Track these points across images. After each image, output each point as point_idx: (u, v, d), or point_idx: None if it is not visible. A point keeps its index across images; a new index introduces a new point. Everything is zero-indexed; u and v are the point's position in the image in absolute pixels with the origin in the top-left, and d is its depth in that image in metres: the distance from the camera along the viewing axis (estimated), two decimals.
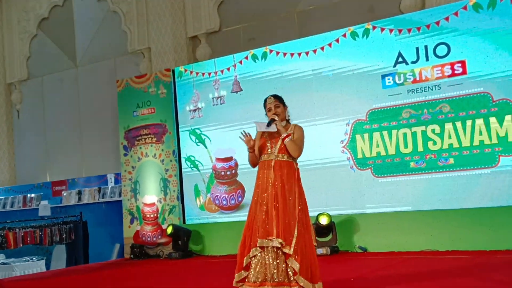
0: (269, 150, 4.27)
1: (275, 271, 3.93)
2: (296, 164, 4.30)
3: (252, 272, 3.98)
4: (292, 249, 3.94)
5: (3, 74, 11.10)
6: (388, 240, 6.59)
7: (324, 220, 6.66)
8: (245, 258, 4.03)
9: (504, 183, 5.95)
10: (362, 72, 6.82)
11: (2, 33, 11.13)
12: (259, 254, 3.99)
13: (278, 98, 4.41)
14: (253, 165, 4.40)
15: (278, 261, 3.96)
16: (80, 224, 9.19)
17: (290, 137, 4.22)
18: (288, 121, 4.41)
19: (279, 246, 3.93)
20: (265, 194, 4.15)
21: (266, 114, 4.44)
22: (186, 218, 8.27)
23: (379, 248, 6.62)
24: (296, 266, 3.90)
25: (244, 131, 4.33)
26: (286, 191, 4.14)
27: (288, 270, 3.92)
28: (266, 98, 4.45)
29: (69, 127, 10.39)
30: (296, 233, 4.01)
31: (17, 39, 10.98)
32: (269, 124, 4.27)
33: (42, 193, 10.38)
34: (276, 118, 4.28)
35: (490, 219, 6.00)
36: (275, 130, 4.27)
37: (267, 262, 3.97)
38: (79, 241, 9.17)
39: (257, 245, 3.99)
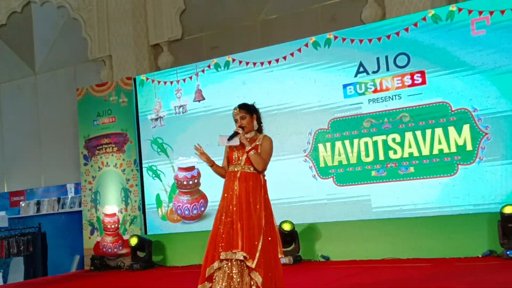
0: (236, 161, 4.21)
1: (239, 284, 3.89)
2: (263, 175, 4.26)
3: (217, 285, 3.93)
4: (255, 263, 3.90)
5: None
6: (350, 249, 6.62)
7: (286, 227, 6.65)
8: (207, 268, 3.98)
9: (462, 191, 6.04)
10: (324, 81, 6.85)
11: None
12: (224, 267, 3.95)
13: (244, 108, 4.28)
14: (221, 176, 4.33)
15: (242, 274, 3.92)
16: (38, 235, 8.99)
17: (254, 150, 4.17)
18: (258, 130, 4.32)
19: (243, 259, 3.89)
20: (230, 206, 4.11)
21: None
22: (147, 228, 8.15)
23: (342, 257, 6.64)
24: (259, 279, 3.86)
25: (198, 144, 4.27)
26: (251, 203, 4.10)
27: (252, 283, 3.89)
28: (234, 108, 4.41)
29: (27, 135, 10.14)
30: (260, 246, 3.97)
31: None
32: (231, 138, 4.18)
33: None
34: (240, 131, 4.21)
35: (449, 227, 6.08)
36: (238, 143, 4.22)
37: (231, 275, 3.93)
38: (37, 253, 8.98)
39: (221, 258, 3.94)
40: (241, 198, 4.11)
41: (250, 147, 4.15)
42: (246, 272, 3.93)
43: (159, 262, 7.93)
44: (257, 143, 4.22)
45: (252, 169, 4.18)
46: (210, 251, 4.03)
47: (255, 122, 4.31)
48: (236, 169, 4.19)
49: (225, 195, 4.19)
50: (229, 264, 3.95)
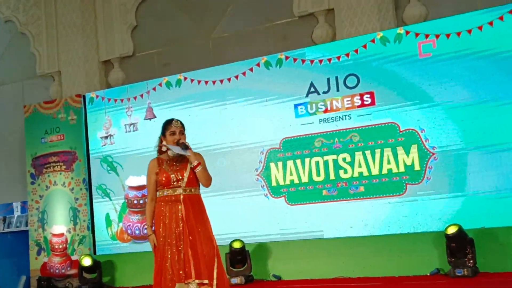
0: (175, 183, 4.03)
1: None
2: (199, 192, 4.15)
3: None
4: (214, 282, 3.84)
5: None
6: (302, 268, 6.62)
7: (237, 245, 6.60)
8: None
9: (411, 210, 6.14)
10: (276, 101, 6.88)
11: None
12: None
13: (182, 124, 4.23)
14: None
15: None
16: None
17: (201, 166, 4.05)
18: None
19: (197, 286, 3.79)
20: (175, 233, 3.93)
21: (162, 135, 4.22)
22: (97, 248, 7.97)
23: (293, 276, 6.64)
24: None
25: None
26: (200, 226, 3.98)
27: None
28: (171, 119, 4.23)
29: None
30: (216, 267, 3.90)
31: None
32: (185, 148, 4.04)
33: None
34: (189, 144, 4.08)
35: (398, 245, 6.17)
36: (189, 154, 4.08)
37: None
38: None
39: None
40: (189, 223, 3.93)
41: (196, 162, 4.00)
42: None
43: (108, 282, 7.76)
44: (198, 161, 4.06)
45: (193, 190, 4.05)
46: (157, 282, 3.88)
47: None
48: (177, 192, 4.02)
49: (166, 221, 3.97)
50: None
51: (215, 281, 3.84)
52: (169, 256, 3.92)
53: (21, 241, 8.84)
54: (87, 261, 7.49)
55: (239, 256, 6.67)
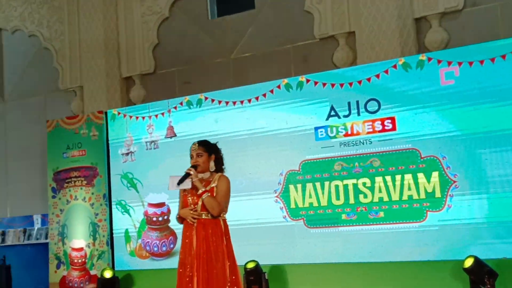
0: (191, 207, 3.99)
1: None
2: (224, 219, 4.06)
3: None
4: None
5: None
6: None
7: (250, 265, 6.59)
8: None
9: (431, 238, 6.10)
10: (296, 123, 6.89)
11: None
12: None
13: (204, 145, 4.13)
14: None
15: None
16: (2, 268, 8.77)
17: (207, 193, 3.97)
18: (216, 171, 4.11)
19: None
20: (189, 258, 3.92)
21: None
22: (115, 264, 8.03)
23: None
24: None
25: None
26: (213, 253, 3.90)
27: None
28: (193, 143, 4.19)
29: None
30: None
31: None
32: (181, 182, 3.92)
33: None
34: (192, 172, 3.98)
35: (417, 273, 6.12)
36: (189, 186, 4.02)
37: None
38: (1, 286, 8.75)
39: None
40: (199, 249, 3.88)
41: (203, 190, 3.94)
42: None
43: None
44: (213, 185, 4.01)
45: (210, 215, 3.96)
46: None
47: (212, 163, 4.09)
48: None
49: (183, 244, 3.97)
50: None
51: None
52: (182, 280, 3.90)
53: (41, 253, 8.95)
54: (107, 274, 7.58)
55: (251, 277, 6.64)
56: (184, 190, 4.09)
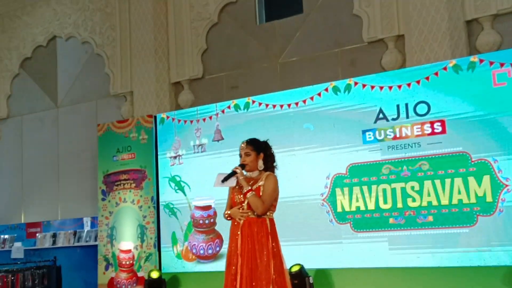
0: (238, 205, 3.99)
1: None
2: (271, 218, 4.01)
3: None
4: None
5: None
6: None
7: (293, 268, 6.52)
8: None
9: (481, 243, 5.96)
10: (343, 126, 6.86)
11: None
12: None
13: (252, 144, 4.12)
14: None
15: None
16: (54, 268, 9.02)
17: (252, 192, 3.95)
18: (265, 170, 4.09)
19: None
20: (235, 256, 3.92)
21: None
22: (162, 266, 8.13)
23: None
24: None
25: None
26: (257, 252, 3.88)
27: None
28: (242, 142, 4.18)
29: (46, 168, 10.24)
30: None
31: None
32: (226, 179, 3.95)
33: (15, 235, 10.16)
34: (238, 171, 4.01)
35: (467, 278, 5.98)
36: (234, 184, 4.02)
37: None
38: (52, 286, 8.98)
39: None
40: (244, 248, 3.88)
41: (248, 189, 3.93)
42: None
43: None
44: (259, 184, 3.99)
45: (256, 214, 3.95)
46: None
47: (260, 162, 4.09)
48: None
49: (230, 241, 3.99)
50: None
51: None
52: (227, 277, 3.90)
53: (90, 255, 9.13)
54: (154, 275, 7.70)
55: (295, 280, 6.59)
56: (233, 189, 4.10)
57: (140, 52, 9.08)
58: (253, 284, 3.80)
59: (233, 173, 4.03)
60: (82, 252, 9.37)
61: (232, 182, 4.01)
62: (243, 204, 4.01)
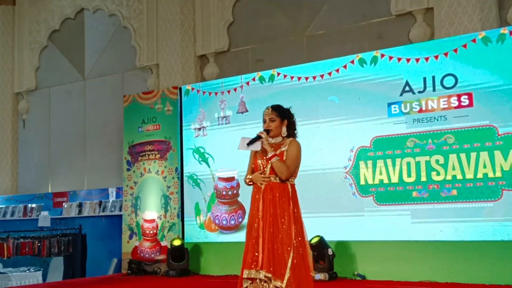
0: (261, 170, 3.98)
1: None
2: (292, 184, 4.00)
3: None
4: (285, 282, 3.65)
5: (11, 83, 11.15)
6: (387, 269, 6.53)
7: (313, 240, 6.55)
8: None
9: (506, 217, 5.91)
10: (369, 99, 6.82)
11: (13, 42, 11.21)
12: (249, 286, 3.75)
13: (277, 110, 4.09)
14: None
15: None
16: (79, 237, 9.17)
17: (276, 157, 3.92)
18: (288, 136, 4.07)
19: (264, 279, 3.68)
20: (256, 220, 3.90)
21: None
22: (185, 236, 8.22)
23: (378, 277, 6.56)
24: None
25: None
26: (279, 216, 3.85)
27: None
28: (266, 107, 4.16)
29: (73, 139, 10.40)
30: (290, 263, 3.72)
31: (27, 50, 11.05)
32: (251, 142, 3.94)
33: (43, 204, 10.35)
34: (263, 136, 3.98)
35: (491, 252, 5.95)
36: (259, 149, 3.99)
37: None
38: (77, 254, 9.16)
39: (244, 276, 3.76)
40: (266, 212, 3.86)
41: (272, 153, 3.92)
42: None
43: (194, 270, 7.98)
44: (283, 149, 3.97)
45: (278, 179, 3.93)
46: (241, 270, 3.83)
47: (284, 128, 4.07)
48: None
49: (252, 207, 3.97)
50: (254, 283, 3.73)
51: (285, 279, 3.66)
52: (248, 242, 3.89)
53: (114, 225, 9.27)
54: (176, 242, 7.83)
55: (315, 252, 6.58)
56: (255, 154, 4.09)
57: (166, 25, 9.11)
58: (274, 247, 3.78)
59: (258, 137, 4.01)
60: (107, 221, 9.51)
61: (257, 146, 3.99)
62: (266, 169, 3.99)
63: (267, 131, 4.07)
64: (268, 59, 8.31)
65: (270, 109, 4.12)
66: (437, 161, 6.34)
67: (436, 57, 6.40)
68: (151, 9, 9.37)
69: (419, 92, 6.49)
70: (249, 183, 4.20)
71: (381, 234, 6.63)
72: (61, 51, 10.73)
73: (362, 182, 6.81)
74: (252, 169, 4.11)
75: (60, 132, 10.63)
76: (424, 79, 6.47)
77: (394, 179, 6.60)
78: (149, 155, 8.66)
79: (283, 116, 4.10)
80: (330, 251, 6.68)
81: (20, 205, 10.57)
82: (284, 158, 3.99)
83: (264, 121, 4.09)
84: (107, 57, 10.10)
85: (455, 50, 6.29)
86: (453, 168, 6.23)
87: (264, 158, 4.00)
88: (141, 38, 9.47)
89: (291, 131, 4.21)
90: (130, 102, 8.91)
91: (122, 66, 9.87)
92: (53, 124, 10.76)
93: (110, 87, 10.00)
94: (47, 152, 10.75)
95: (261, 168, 4.01)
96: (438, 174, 6.33)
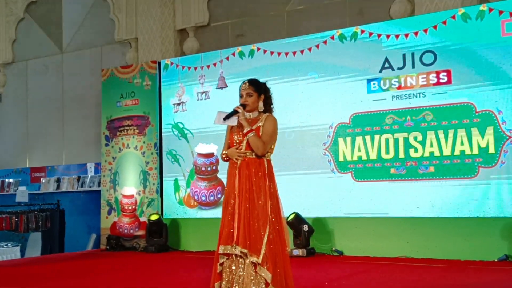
0: (237, 145, 3.89)
1: (241, 281, 3.63)
2: (268, 159, 3.93)
3: (223, 282, 3.71)
4: (261, 257, 3.61)
5: None
6: (364, 245, 6.60)
7: (290, 217, 6.58)
8: (218, 265, 3.75)
9: (482, 194, 5.97)
10: (348, 75, 6.79)
11: None
12: (225, 262, 3.71)
13: (254, 85, 3.94)
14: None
15: (244, 271, 3.65)
16: (57, 212, 9.09)
17: (252, 132, 3.82)
18: (264, 111, 3.96)
19: (240, 254, 3.64)
20: (232, 195, 3.83)
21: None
22: (164, 212, 8.20)
23: (355, 252, 6.62)
24: (268, 276, 3.58)
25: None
26: (255, 192, 3.78)
27: (259, 280, 3.60)
28: (243, 81, 4.02)
29: (51, 113, 10.25)
30: (265, 239, 3.67)
31: (3, 22, 10.80)
32: (228, 117, 3.83)
33: (20, 179, 10.26)
34: (239, 110, 3.86)
35: (466, 229, 6.02)
36: (235, 124, 3.88)
37: (231, 271, 3.69)
38: (55, 229, 9.08)
39: (220, 252, 3.71)
40: (242, 188, 3.79)
41: (248, 129, 3.81)
42: (249, 269, 3.63)
43: (174, 246, 7.98)
44: (259, 124, 3.87)
45: (254, 154, 3.86)
46: (217, 246, 3.78)
47: (261, 103, 3.96)
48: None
49: (228, 183, 3.90)
50: (230, 259, 3.70)
51: (261, 254, 3.61)
52: (224, 218, 3.82)
53: (93, 200, 9.23)
54: (154, 217, 7.82)
55: (292, 229, 6.61)
56: (231, 129, 4.03)
57: None
58: (250, 223, 3.74)
59: (234, 112, 3.93)
60: (85, 197, 9.46)
61: (233, 121, 3.91)
62: (242, 144, 3.94)
63: (243, 105, 3.99)
64: (249, 34, 8.22)
65: (247, 83, 4.00)
66: (415, 138, 6.36)
67: (416, 33, 6.38)
68: None
69: (399, 68, 6.48)
70: (225, 158, 4.13)
71: (359, 211, 6.67)
72: (38, 23, 10.51)
73: (341, 159, 6.82)
74: (229, 145, 4.04)
75: (37, 106, 10.46)
76: (404, 55, 6.46)
77: (373, 156, 6.62)
78: (127, 130, 8.58)
79: (260, 91, 3.99)
80: (305, 227, 6.70)
81: None
82: (260, 134, 3.93)
83: (241, 96, 3.98)
84: (85, 30, 9.92)
85: (435, 27, 6.27)
86: (431, 145, 6.26)
87: (240, 133, 3.92)
88: (120, 11, 9.30)
89: (268, 106, 4.11)
90: (109, 76, 8.79)
91: (101, 40, 9.70)
92: (31, 98, 10.59)
93: (88, 61, 9.84)
94: (24, 126, 10.60)
95: (237, 143, 3.94)
96: (416, 151, 6.36)
